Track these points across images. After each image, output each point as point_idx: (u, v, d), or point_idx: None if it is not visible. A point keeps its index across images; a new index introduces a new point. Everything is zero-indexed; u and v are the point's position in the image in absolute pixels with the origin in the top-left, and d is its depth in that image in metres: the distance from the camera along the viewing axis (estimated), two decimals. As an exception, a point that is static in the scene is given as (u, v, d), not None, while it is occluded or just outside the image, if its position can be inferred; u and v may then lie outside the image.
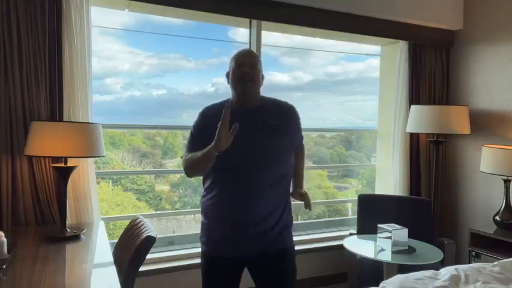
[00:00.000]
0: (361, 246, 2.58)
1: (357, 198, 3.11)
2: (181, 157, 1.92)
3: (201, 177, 1.99)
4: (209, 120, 1.79)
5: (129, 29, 3.08)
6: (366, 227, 2.89)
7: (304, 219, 3.75)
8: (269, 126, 1.83)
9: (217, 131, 1.62)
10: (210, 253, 1.91)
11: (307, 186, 3.93)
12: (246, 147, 1.76)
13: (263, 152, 1.79)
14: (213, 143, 1.64)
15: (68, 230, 2.10)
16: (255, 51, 2.11)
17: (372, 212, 3.01)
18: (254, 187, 1.79)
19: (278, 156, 1.83)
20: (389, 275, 2.00)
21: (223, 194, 1.84)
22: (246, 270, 1.96)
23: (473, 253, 2.93)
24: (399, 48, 3.33)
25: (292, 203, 2.02)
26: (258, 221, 1.82)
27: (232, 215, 1.82)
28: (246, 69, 1.81)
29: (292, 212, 1.99)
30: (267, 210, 1.83)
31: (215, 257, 1.90)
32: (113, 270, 1.66)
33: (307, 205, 1.93)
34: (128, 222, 2.22)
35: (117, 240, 2.19)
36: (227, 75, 1.89)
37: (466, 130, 3.11)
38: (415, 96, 3.36)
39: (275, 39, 3.39)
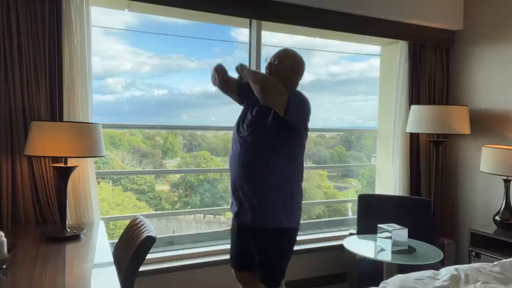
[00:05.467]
0: (361, 246, 2.58)
1: (357, 198, 3.12)
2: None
3: None
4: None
5: (132, 29, 3.09)
6: (366, 227, 2.89)
7: (304, 219, 3.75)
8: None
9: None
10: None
11: (307, 186, 3.93)
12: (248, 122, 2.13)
13: (259, 124, 2.08)
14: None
15: (68, 230, 2.10)
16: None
17: (372, 212, 3.01)
18: (246, 154, 2.08)
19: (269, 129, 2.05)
20: (390, 275, 2.01)
21: (229, 160, 2.20)
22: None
23: (473, 253, 2.93)
24: (399, 48, 3.33)
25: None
26: (245, 189, 2.07)
27: (232, 179, 2.15)
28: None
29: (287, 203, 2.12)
30: (255, 182, 2.06)
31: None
32: (113, 270, 1.66)
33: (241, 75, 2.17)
34: (128, 222, 2.22)
35: (117, 240, 2.20)
36: None
37: (466, 130, 3.11)
38: (415, 96, 3.35)
39: (279, 40, 3.38)
